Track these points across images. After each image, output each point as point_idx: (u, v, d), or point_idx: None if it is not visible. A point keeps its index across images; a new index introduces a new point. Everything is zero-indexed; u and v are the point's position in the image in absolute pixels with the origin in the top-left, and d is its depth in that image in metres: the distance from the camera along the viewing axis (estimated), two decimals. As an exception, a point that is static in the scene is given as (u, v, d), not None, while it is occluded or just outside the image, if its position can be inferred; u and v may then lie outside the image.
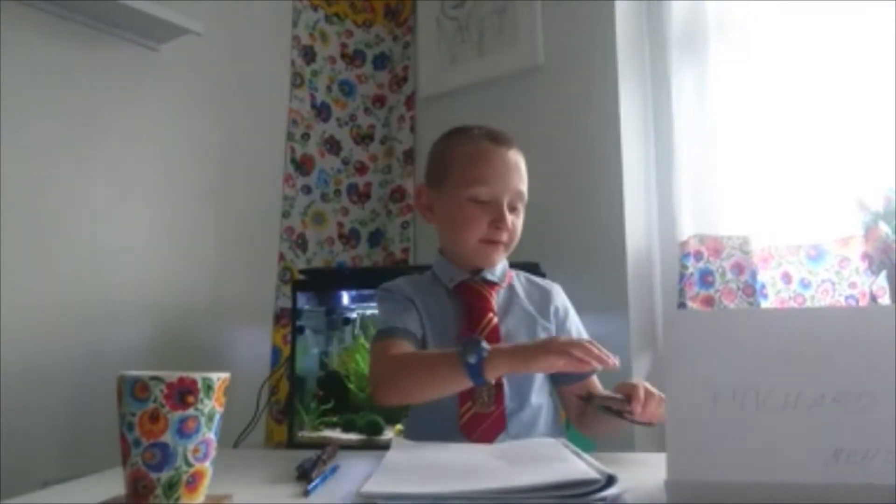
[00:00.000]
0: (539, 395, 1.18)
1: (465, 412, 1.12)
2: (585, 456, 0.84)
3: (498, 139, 1.19)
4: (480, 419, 1.12)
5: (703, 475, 0.65)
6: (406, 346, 1.14)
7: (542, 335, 1.20)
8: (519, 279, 1.28)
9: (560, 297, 1.28)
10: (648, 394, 1.01)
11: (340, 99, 2.35)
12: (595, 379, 1.22)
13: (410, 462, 0.87)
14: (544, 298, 1.26)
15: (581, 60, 1.95)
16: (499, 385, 1.13)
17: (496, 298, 1.21)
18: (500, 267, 1.24)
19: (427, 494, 0.69)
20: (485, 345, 0.99)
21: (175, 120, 1.89)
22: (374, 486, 0.72)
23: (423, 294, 1.22)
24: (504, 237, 1.17)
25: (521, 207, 1.20)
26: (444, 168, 1.22)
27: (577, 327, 1.28)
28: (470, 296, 1.20)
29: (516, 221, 1.19)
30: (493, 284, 1.21)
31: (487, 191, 1.16)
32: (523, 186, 1.19)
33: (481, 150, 1.18)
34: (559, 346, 0.96)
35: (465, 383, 1.00)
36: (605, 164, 1.87)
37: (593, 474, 0.70)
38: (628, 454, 1.03)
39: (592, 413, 1.13)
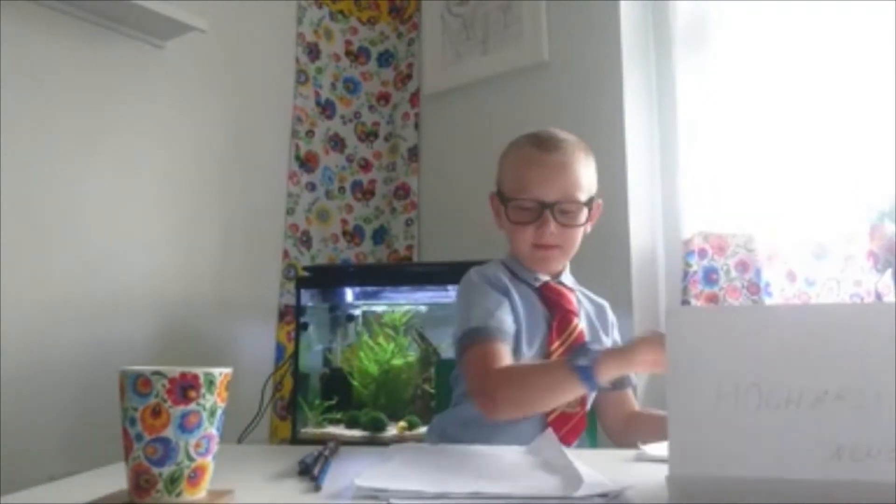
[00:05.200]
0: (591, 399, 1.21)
1: (552, 411, 1.13)
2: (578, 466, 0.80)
3: (542, 144, 1.18)
4: (566, 419, 1.13)
5: (704, 471, 0.65)
6: (505, 352, 1.09)
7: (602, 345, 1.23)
8: (577, 292, 1.30)
9: (611, 315, 1.32)
10: None
11: (345, 96, 2.35)
12: (630, 392, 1.26)
13: (414, 460, 0.87)
14: (601, 313, 1.29)
15: (586, 58, 1.95)
16: None
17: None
18: (571, 276, 1.27)
19: (422, 493, 0.69)
20: (595, 347, 1.00)
21: (180, 117, 1.89)
22: (368, 481, 0.72)
23: (515, 287, 1.20)
24: (552, 241, 1.16)
25: (575, 210, 1.17)
26: (501, 176, 1.25)
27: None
28: (557, 297, 1.21)
29: (568, 227, 1.17)
30: (570, 290, 1.24)
31: (529, 197, 1.16)
32: (574, 191, 1.16)
33: (524, 156, 1.19)
34: (659, 342, 0.92)
35: (579, 389, 1.00)
36: (609, 162, 1.85)
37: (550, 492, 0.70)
38: (631, 451, 1.03)
39: (642, 429, 1.14)
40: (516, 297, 1.18)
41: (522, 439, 0.97)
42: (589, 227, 1.24)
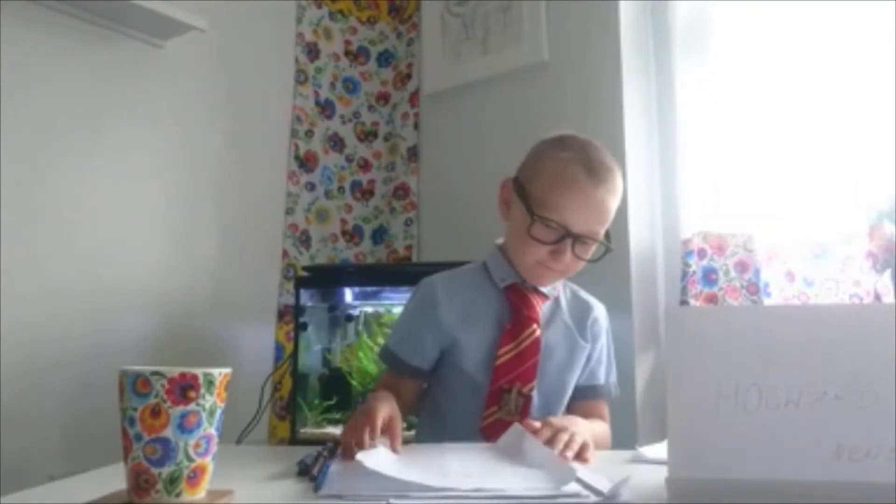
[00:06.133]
0: (563, 409, 1.20)
1: (488, 415, 1.13)
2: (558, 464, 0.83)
3: (593, 172, 1.11)
4: (503, 425, 1.11)
5: (704, 473, 0.65)
6: (406, 385, 1.19)
7: (580, 353, 1.22)
8: (565, 291, 1.27)
9: (597, 315, 1.27)
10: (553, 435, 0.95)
11: (344, 96, 2.35)
12: (600, 404, 1.26)
13: (387, 457, 0.88)
14: (584, 314, 1.25)
15: (585, 57, 1.95)
16: (528, 396, 1.14)
17: (542, 308, 1.19)
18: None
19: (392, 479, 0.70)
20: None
21: (179, 117, 1.89)
22: (369, 461, 0.74)
23: (463, 293, 1.21)
24: (559, 268, 1.13)
25: (592, 245, 1.14)
26: (532, 175, 1.17)
27: (605, 353, 1.27)
28: (518, 300, 1.17)
29: (580, 256, 1.13)
30: (541, 295, 1.20)
31: (559, 219, 1.10)
32: (600, 227, 1.13)
33: (570, 177, 1.10)
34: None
35: None
36: (608, 162, 1.86)
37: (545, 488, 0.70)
38: (630, 451, 1.03)
39: None
40: (456, 304, 1.19)
41: (454, 436, 1.07)
42: None
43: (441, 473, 0.78)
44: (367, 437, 0.88)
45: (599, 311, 1.28)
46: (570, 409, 1.22)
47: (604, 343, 1.27)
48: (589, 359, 1.24)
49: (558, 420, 0.99)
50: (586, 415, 1.18)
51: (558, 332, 1.20)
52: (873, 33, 1.54)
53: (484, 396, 1.14)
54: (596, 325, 1.25)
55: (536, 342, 1.15)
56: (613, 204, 1.14)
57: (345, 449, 0.89)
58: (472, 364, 1.16)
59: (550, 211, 1.10)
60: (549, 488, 0.69)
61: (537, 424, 0.97)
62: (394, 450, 0.92)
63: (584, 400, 1.23)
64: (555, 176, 1.12)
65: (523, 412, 1.13)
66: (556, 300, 1.23)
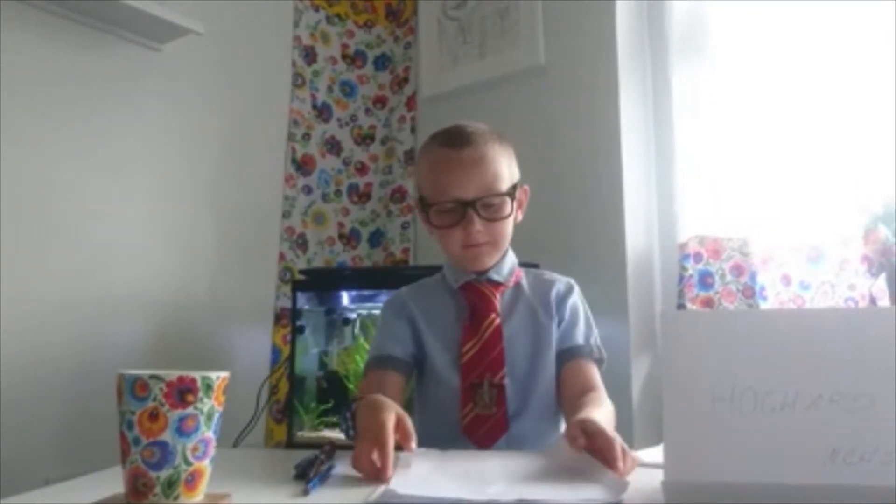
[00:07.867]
0: (544, 395, 1.16)
1: (466, 414, 1.12)
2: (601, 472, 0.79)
3: (453, 142, 1.14)
4: (482, 421, 1.11)
5: (700, 476, 0.65)
6: (385, 378, 1.15)
7: (545, 333, 1.17)
8: (527, 277, 1.25)
9: (559, 287, 1.22)
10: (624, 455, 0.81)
11: (341, 99, 2.35)
12: (587, 364, 1.17)
13: (441, 466, 0.86)
14: (546, 290, 1.22)
15: (582, 61, 1.95)
16: (501, 386, 1.12)
17: (501, 299, 1.19)
18: (507, 266, 1.21)
19: (461, 500, 0.68)
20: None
21: (176, 119, 1.89)
22: (403, 487, 0.71)
23: (425, 299, 1.23)
24: (480, 239, 1.13)
25: (498, 203, 1.13)
26: (418, 182, 1.23)
27: (579, 316, 1.21)
28: (474, 297, 1.18)
29: (494, 220, 1.13)
30: (498, 284, 1.19)
31: (449, 199, 1.13)
32: (493, 182, 1.12)
33: (436, 159, 1.15)
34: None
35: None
36: (605, 165, 1.87)
37: (598, 498, 0.69)
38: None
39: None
40: (418, 311, 1.20)
41: (442, 443, 0.99)
42: (520, 216, 1.20)
43: (482, 484, 0.75)
44: (388, 468, 0.81)
45: (562, 283, 1.24)
46: (561, 380, 1.17)
47: (574, 307, 1.21)
48: (560, 325, 1.19)
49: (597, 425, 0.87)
50: (574, 378, 1.14)
51: (521, 318, 1.18)
52: (871, 38, 1.55)
53: (458, 397, 1.12)
54: (558, 296, 1.21)
55: (498, 331, 1.14)
56: (494, 157, 1.14)
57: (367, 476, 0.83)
58: (443, 366, 1.16)
59: (439, 195, 1.14)
60: (599, 499, 0.68)
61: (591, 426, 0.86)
62: (408, 449, 0.88)
63: (566, 364, 1.17)
64: (427, 165, 1.18)
65: (499, 403, 1.11)
66: (518, 286, 1.22)
